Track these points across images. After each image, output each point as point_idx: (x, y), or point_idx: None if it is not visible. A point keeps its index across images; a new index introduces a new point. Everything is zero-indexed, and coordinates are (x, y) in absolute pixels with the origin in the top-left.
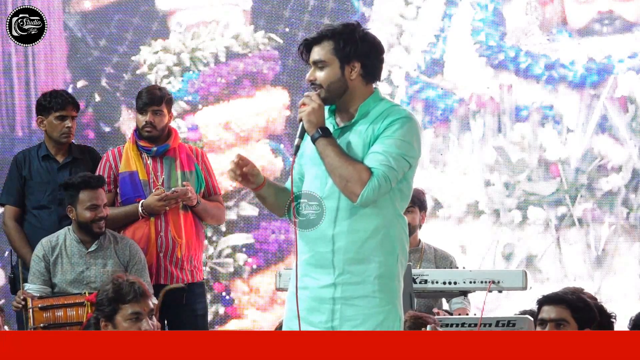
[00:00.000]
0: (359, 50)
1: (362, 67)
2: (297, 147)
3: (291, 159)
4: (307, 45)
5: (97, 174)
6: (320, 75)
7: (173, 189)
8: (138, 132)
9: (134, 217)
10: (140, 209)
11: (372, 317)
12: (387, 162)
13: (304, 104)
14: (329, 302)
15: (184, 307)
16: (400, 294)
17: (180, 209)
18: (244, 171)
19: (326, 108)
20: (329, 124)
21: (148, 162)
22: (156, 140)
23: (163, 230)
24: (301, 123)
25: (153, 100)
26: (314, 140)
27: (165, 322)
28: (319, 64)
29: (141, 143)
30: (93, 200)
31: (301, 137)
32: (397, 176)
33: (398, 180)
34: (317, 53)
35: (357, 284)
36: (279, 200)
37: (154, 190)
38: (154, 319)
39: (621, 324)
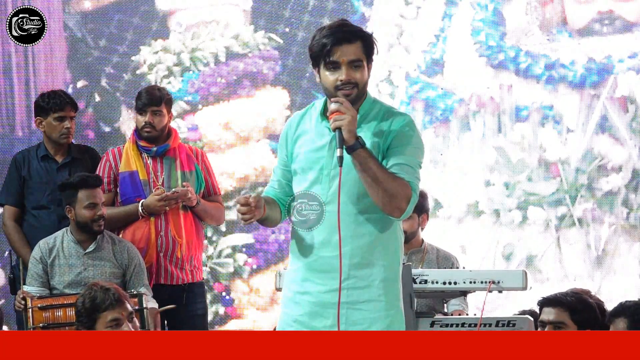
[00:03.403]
0: (372, 52)
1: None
2: (342, 158)
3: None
4: (337, 43)
5: (97, 173)
6: (357, 75)
7: (173, 189)
8: (138, 132)
9: (134, 217)
10: (140, 208)
11: (379, 321)
12: (416, 174)
13: (338, 112)
14: (333, 306)
15: (184, 307)
16: (402, 295)
17: (180, 209)
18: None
19: (318, 109)
20: (324, 127)
21: (148, 162)
22: (156, 141)
23: (163, 230)
24: (337, 132)
25: (152, 100)
26: (352, 150)
27: (165, 322)
28: (355, 63)
29: (141, 143)
30: (91, 199)
31: (341, 147)
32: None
33: None
34: (352, 52)
35: (362, 288)
36: (275, 214)
37: (154, 190)
38: (135, 321)
39: None
